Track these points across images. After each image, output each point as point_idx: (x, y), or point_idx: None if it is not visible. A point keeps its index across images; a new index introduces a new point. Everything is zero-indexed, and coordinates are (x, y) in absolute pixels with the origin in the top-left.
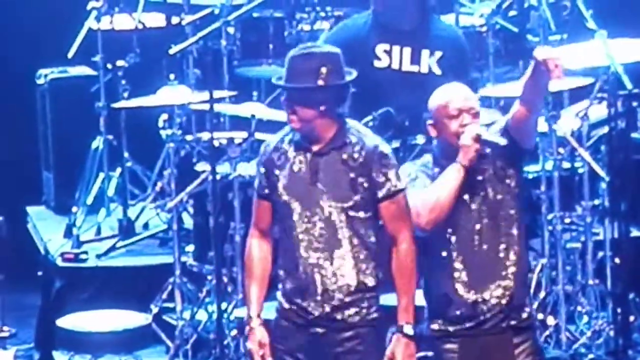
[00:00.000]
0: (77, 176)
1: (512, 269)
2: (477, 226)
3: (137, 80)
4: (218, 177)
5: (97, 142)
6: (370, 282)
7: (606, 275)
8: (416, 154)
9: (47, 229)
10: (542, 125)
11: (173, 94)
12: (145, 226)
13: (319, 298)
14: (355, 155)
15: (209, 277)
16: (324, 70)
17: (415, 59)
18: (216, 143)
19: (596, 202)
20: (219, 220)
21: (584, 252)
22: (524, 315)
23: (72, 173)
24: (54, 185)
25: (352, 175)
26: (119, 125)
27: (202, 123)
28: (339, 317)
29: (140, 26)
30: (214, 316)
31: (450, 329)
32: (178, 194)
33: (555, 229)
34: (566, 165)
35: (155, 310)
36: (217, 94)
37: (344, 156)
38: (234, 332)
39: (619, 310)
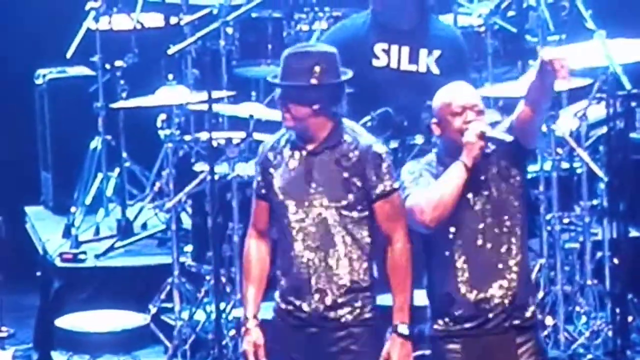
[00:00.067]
0: (75, 176)
1: (515, 269)
2: (481, 225)
3: (136, 80)
4: (216, 177)
5: (96, 142)
6: (364, 282)
7: (605, 276)
8: (415, 154)
9: (45, 229)
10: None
11: (171, 94)
12: (144, 226)
13: (312, 297)
14: (349, 155)
15: (208, 278)
16: (317, 69)
17: (414, 58)
18: (215, 143)
19: (595, 202)
20: (217, 220)
21: (583, 253)
22: (527, 314)
23: (70, 173)
24: (52, 186)
25: (345, 175)
26: (118, 126)
27: (200, 123)
28: (332, 316)
29: (138, 26)
30: (213, 316)
31: (453, 328)
32: (176, 194)
33: (554, 229)
34: (565, 165)
35: (153, 310)
36: (216, 94)
37: (338, 156)
38: (233, 332)
39: (617, 310)
